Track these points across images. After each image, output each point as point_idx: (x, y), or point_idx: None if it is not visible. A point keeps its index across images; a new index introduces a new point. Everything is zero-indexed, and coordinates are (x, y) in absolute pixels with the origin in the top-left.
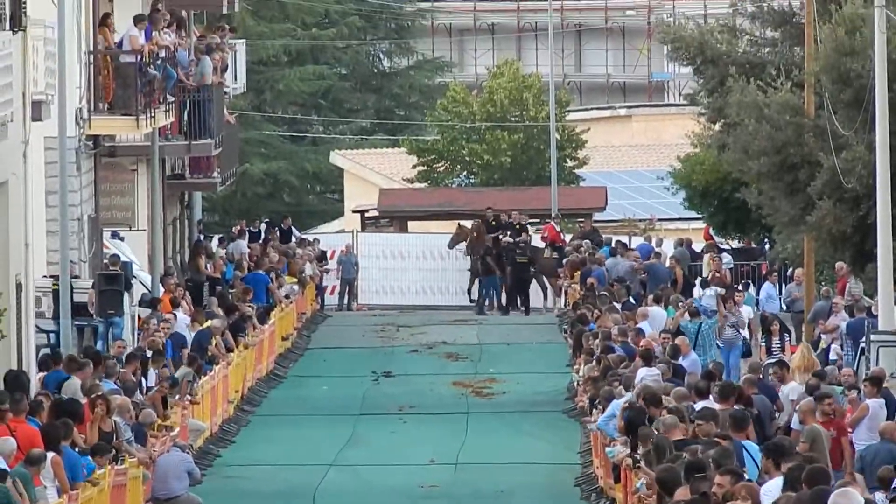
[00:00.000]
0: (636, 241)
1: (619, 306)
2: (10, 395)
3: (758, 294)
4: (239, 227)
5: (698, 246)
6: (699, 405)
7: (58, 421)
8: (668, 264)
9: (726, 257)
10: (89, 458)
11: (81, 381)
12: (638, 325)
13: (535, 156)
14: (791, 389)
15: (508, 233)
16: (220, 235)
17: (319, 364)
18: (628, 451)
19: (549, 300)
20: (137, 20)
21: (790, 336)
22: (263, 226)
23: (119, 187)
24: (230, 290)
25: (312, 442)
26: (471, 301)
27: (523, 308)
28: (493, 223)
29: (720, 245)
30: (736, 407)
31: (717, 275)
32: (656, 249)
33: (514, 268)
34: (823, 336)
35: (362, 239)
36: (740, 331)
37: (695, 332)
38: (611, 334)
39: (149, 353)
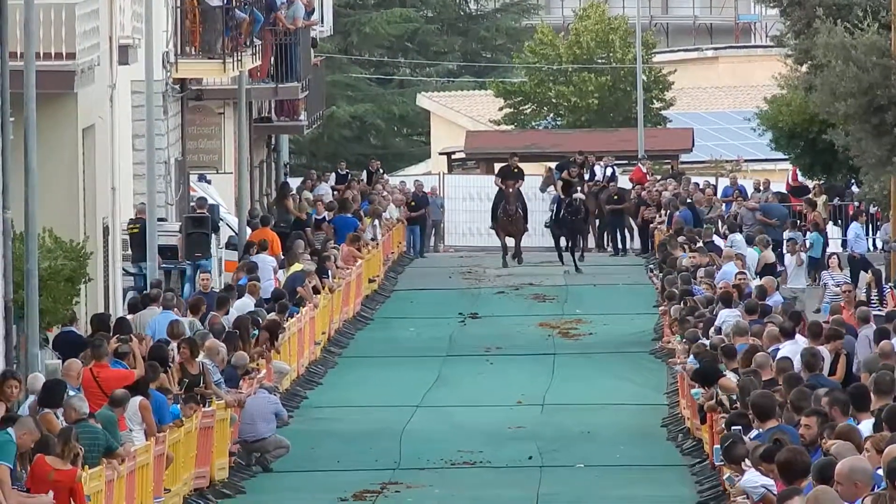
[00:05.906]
0: (722, 183)
1: (705, 247)
2: (91, 340)
3: (845, 234)
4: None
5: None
6: (784, 345)
7: (145, 364)
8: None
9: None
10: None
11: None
12: (723, 266)
13: (621, 98)
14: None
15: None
16: (303, 178)
17: (406, 306)
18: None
19: (634, 241)
20: None
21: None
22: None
23: (206, 130)
24: (318, 233)
25: (399, 383)
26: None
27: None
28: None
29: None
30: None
31: (811, 217)
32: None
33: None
34: None
35: (449, 181)
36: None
37: None
38: (694, 275)
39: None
